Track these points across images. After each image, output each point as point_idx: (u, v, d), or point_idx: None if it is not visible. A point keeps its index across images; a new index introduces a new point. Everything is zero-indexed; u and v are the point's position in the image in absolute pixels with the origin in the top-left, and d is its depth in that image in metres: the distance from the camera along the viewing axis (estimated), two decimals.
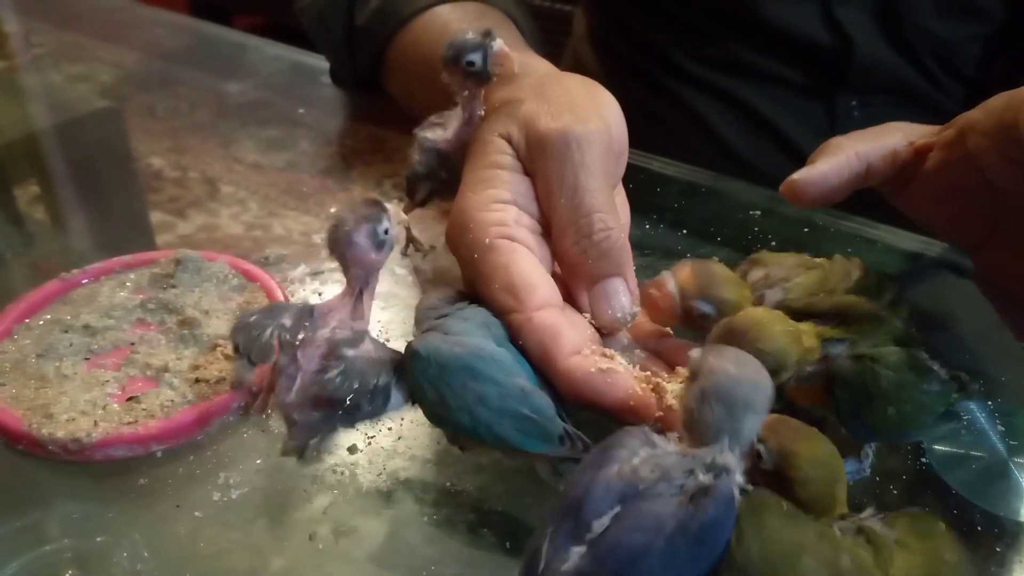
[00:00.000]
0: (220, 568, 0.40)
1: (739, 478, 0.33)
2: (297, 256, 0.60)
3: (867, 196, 0.75)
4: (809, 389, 0.41)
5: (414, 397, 0.41)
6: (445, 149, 0.51)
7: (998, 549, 0.41)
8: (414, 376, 0.39)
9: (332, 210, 0.65)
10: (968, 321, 0.56)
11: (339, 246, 0.41)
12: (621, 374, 0.38)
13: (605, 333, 0.42)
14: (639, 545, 0.31)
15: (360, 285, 0.42)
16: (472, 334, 0.39)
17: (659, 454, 0.33)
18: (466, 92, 0.49)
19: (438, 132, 0.51)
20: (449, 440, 0.43)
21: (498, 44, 0.48)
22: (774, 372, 0.38)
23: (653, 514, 0.31)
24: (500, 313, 0.41)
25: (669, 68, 0.77)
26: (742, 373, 0.32)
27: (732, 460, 0.32)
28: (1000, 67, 0.76)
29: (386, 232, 0.41)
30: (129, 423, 0.44)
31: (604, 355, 0.40)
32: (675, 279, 0.42)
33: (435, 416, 0.40)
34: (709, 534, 0.31)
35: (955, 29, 0.72)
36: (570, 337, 0.40)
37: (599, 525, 0.31)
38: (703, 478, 0.32)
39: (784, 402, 0.46)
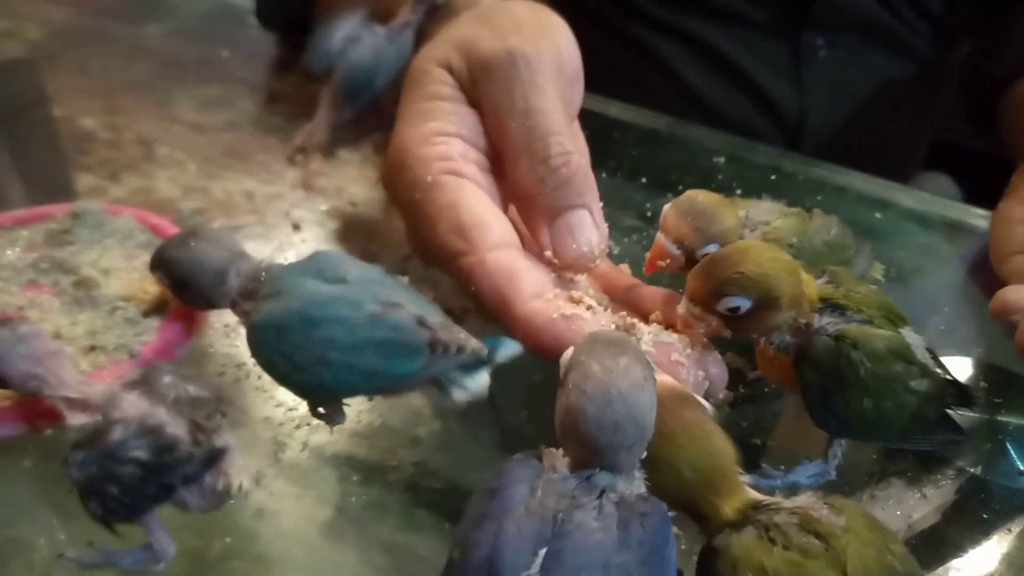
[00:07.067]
0: None
1: (631, 492, 0.28)
2: (216, 212, 0.56)
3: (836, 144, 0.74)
4: (781, 363, 0.36)
5: (273, 378, 0.37)
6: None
7: (986, 516, 0.39)
8: (261, 355, 0.36)
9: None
10: (937, 277, 0.54)
11: None
12: (587, 321, 0.35)
13: (570, 276, 0.38)
14: None
15: None
16: (302, 285, 0.36)
17: (556, 479, 0.28)
18: None
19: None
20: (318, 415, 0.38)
21: None
22: (762, 303, 0.34)
23: (590, 546, 0.26)
24: (448, 258, 0.37)
25: (626, 8, 0.74)
26: (603, 412, 0.28)
27: (608, 480, 0.28)
28: (965, 8, 0.74)
29: None
30: (12, 398, 0.39)
31: (571, 299, 0.36)
32: (666, 233, 0.38)
33: (298, 389, 0.36)
34: (653, 550, 0.27)
35: None
36: (530, 279, 0.36)
37: None
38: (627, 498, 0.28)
39: (749, 363, 0.42)
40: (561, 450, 0.29)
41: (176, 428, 0.32)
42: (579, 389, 0.28)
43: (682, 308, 0.35)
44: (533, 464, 0.29)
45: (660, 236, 0.39)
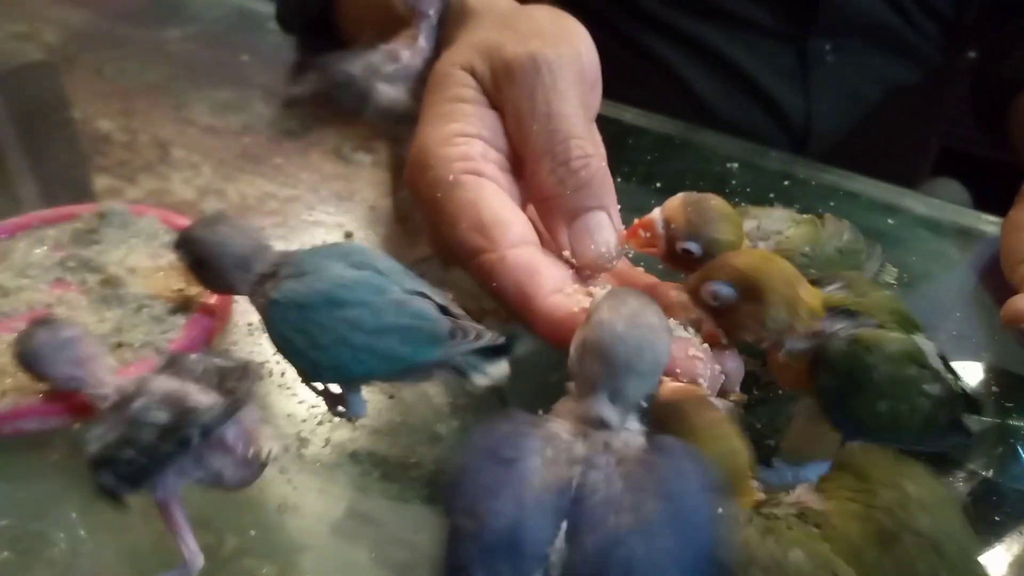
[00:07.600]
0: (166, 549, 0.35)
1: (629, 431, 0.29)
2: (239, 214, 0.56)
3: (846, 149, 0.74)
4: (796, 368, 0.36)
5: (284, 356, 0.37)
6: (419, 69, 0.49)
7: (997, 519, 0.39)
8: (275, 330, 0.36)
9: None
10: (948, 283, 0.54)
11: None
12: None
13: (587, 275, 0.39)
14: (621, 547, 0.26)
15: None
16: (329, 268, 0.36)
17: (564, 446, 0.28)
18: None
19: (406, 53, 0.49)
20: (332, 409, 0.39)
21: None
22: (746, 295, 0.34)
23: (607, 506, 0.26)
24: (469, 256, 0.38)
25: (633, 13, 0.74)
26: (629, 332, 0.28)
27: (610, 413, 0.28)
28: (976, 8, 0.73)
29: None
30: (43, 392, 0.40)
31: (590, 294, 0.36)
32: (663, 211, 0.38)
33: (311, 366, 0.36)
34: (675, 485, 0.27)
35: None
36: (550, 275, 0.36)
37: (557, 554, 0.26)
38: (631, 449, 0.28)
39: (763, 366, 0.42)
40: (561, 408, 0.29)
41: (202, 396, 0.32)
42: (609, 309, 0.29)
43: (674, 294, 0.36)
44: (538, 431, 0.28)
45: (656, 209, 0.39)
